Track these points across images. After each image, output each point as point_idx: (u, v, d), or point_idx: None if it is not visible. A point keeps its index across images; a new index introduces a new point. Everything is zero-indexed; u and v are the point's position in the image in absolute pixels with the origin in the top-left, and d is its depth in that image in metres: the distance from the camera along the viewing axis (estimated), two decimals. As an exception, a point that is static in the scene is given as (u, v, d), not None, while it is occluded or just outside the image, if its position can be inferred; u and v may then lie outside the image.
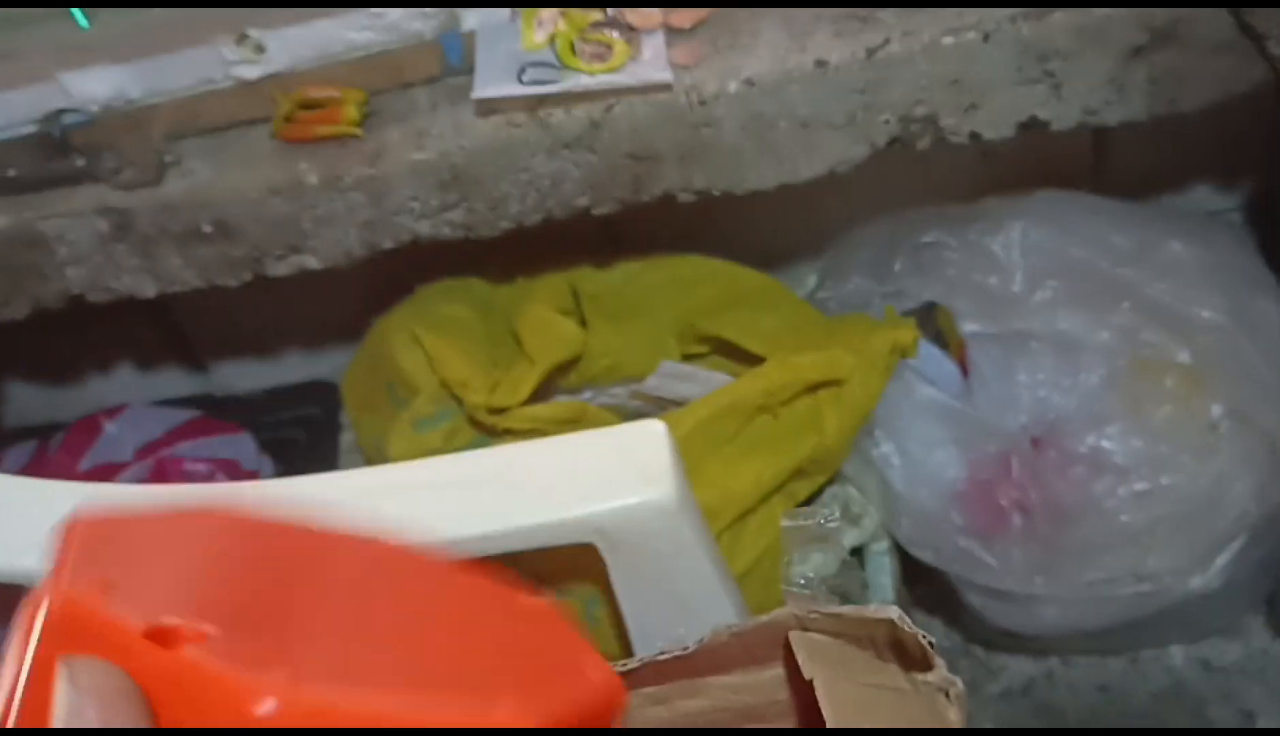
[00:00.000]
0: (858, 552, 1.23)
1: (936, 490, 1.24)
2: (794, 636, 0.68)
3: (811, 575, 1.15)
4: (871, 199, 1.42)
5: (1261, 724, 1.32)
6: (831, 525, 1.02)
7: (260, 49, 1.10)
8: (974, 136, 1.08)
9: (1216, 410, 1.19)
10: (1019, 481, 1.22)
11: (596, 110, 1.05)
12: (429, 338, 1.18)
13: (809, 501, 1.21)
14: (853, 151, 1.09)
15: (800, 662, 0.66)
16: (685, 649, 0.70)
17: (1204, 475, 1.19)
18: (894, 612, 0.63)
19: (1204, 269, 1.22)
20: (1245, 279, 1.23)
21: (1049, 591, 1.23)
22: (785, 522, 1.01)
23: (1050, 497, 1.21)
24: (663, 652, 0.68)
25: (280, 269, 1.16)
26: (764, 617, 0.68)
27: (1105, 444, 1.21)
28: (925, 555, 1.24)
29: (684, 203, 1.13)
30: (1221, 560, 1.22)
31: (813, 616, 0.67)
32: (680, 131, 1.07)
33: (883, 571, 1.22)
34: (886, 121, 1.07)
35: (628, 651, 0.94)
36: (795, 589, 0.96)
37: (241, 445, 1.39)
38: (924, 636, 0.60)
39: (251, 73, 1.12)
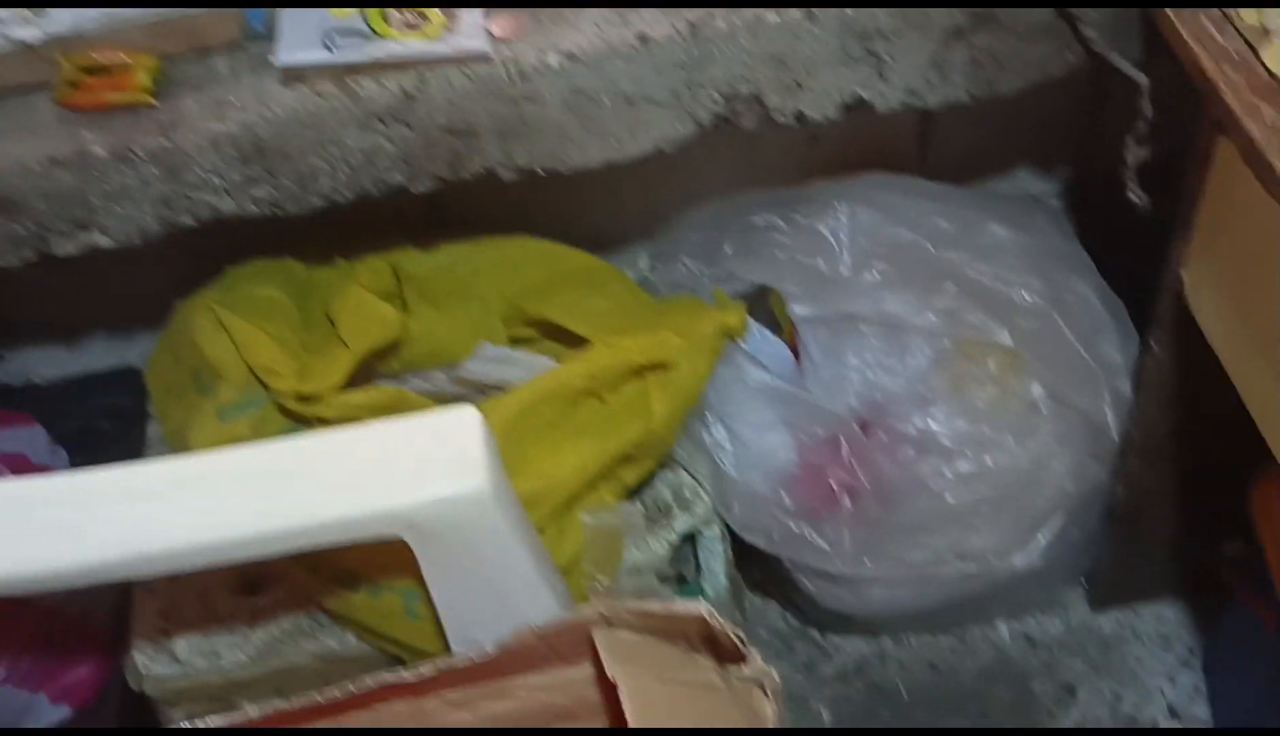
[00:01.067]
0: (691, 539, 1.21)
1: (768, 473, 1.23)
2: (598, 634, 0.65)
3: (631, 565, 1.13)
4: (702, 181, 1.40)
5: (1081, 695, 1.35)
6: (654, 515, 1.00)
7: (40, 8, 1.01)
8: (799, 116, 1.07)
9: (1036, 391, 1.21)
10: (848, 463, 1.22)
11: (410, 81, 1.00)
12: (235, 321, 1.11)
13: (640, 488, 1.18)
14: (678, 129, 1.06)
15: (604, 662, 0.63)
16: (484, 653, 0.67)
17: (1024, 455, 1.21)
18: (703, 609, 0.60)
19: (1023, 252, 1.24)
20: (1062, 262, 1.26)
21: (877, 572, 1.23)
22: (588, 520, 0.98)
23: (878, 479, 1.21)
24: (458, 658, 0.65)
25: (68, 247, 1.07)
26: (568, 616, 0.65)
27: (931, 425, 1.22)
28: (757, 540, 1.23)
29: (512, 183, 1.09)
30: (1042, 538, 1.24)
31: (621, 614, 0.65)
32: (500, 105, 1.02)
33: (715, 556, 1.21)
34: (712, 99, 1.05)
35: (450, 647, 0.91)
36: (597, 586, 0.94)
37: (32, 437, 1.28)
38: (735, 632, 0.59)
39: (30, 34, 1.03)
